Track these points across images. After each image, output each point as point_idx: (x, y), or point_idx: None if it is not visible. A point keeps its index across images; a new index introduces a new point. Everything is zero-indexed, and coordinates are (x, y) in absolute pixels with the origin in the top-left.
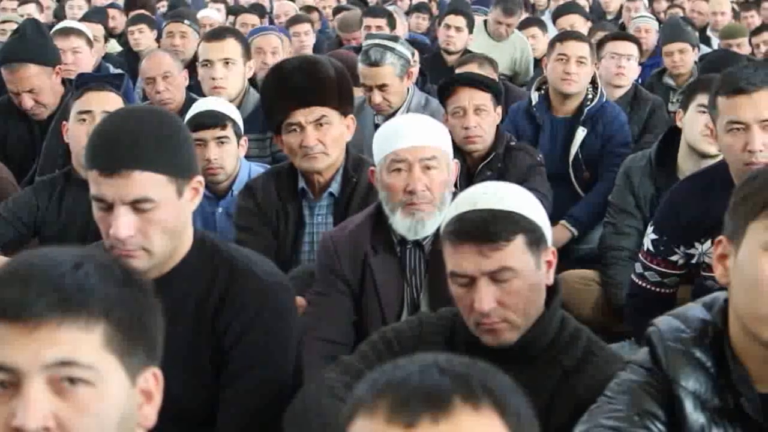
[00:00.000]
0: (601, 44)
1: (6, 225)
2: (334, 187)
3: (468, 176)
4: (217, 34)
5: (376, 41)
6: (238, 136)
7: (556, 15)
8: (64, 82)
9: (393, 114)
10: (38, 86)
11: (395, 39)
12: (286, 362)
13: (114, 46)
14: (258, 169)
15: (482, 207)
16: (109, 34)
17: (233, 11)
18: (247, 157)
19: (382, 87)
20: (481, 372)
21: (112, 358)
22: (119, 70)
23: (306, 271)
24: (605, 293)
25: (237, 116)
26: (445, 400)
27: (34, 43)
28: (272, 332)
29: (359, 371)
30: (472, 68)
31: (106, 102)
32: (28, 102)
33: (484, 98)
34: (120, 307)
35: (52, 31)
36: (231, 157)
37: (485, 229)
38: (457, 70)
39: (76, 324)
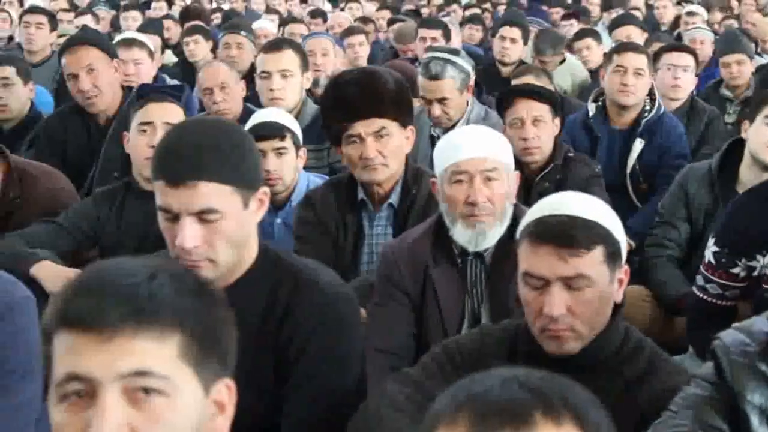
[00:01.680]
0: (657, 55)
1: (66, 235)
2: (394, 198)
3: (526, 187)
4: (275, 46)
5: (437, 54)
6: (297, 147)
7: (613, 26)
8: (122, 87)
9: (452, 127)
10: (97, 68)
11: (456, 52)
12: (349, 373)
13: (169, 57)
14: (316, 180)
15: (566, 212)
16: (165, 45)
17: (285, 22)
18: (305, 167)
19: (441, 100)
20: (561, 386)
21: (186, 369)
22: (175, 81)
23: (366, 282)
24: (656, 302)
25: (296, 127)
26: (526, 415)
27: (93, 33)
28: (335, 343)
29: (421, 383)
30: (529, 79)
31: (167, 113)
32: (86, 83)
33: (542, 109)
34: (194, 317)
35: (114, 41)
36: (290, 168)
37: (568, 233)
38: (514, 82)
39: (151, 334)
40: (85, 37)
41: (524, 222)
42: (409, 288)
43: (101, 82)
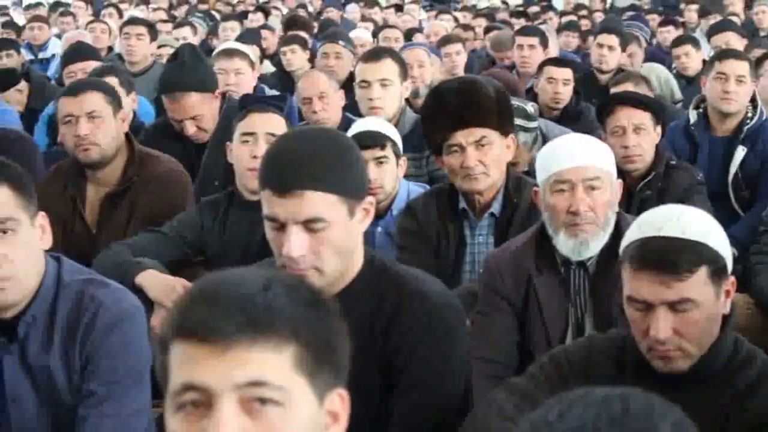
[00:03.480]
0: (759, 62)
1: (171, 244)
2: (495, 207)
3: (627, 196)
4: (374, 55)
5: None
6: (398, 156)
7: (711, 32)
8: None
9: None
10: (200, 113)
11: (526, 115)
12: (456, 382)
13: (267, 67)
14: (417, 189)
15: (667, 234)
16: (262, 54)
17: (379, 29)
18: (404, 176)
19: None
20: (631, 425)
21: (301, 379)
22: (274, 91)
23: (467, 290)
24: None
25: (396, 136)
26: None
27: (193, 71)
28: (442, 353)
29: (529, 392)
30: (628, 87)
31: (269, 124)
32: (190, 128)
33: (643, 117)
34: (308, 327)
35: (215, 52)
36: (390, 177)
37: (669, 259)
38: (613, 89)
39: (266, 345)
40: (183, 83)
41: (626, 241)
42: (512, 297)
43: (205, 123)
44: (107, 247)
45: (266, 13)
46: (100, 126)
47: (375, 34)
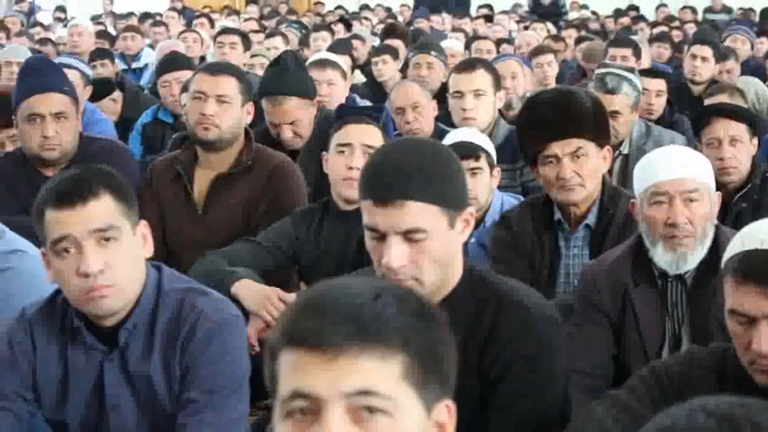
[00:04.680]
0: None
1: (267, 254)
2: (591, 219)
3: (723, 208)
4: (468, 66)
5: (613, 70)
6: (491, 167)
7: None
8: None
9: (618, 145)
10: (299, 119)
11: (632, 70)
12: (554, 394)
13: (358, 77)
14: (510, 200)
15: None
16: (353, 64)
17: (471, 41)
18: (498, 187)
19: (613, 114)
20: (750, 411)
21: (409, 389)
22: (365, 101)
23: (563, 303)
24: None
25: (490, 147)
26: None
27: (296, 77)
28: (540, 365)
29: (628, 405)
30: (722, 98)
31: (365, 134)
32: (287, 133)
33: (739, 129)
34: (417, 338)
35: (307, 63)
36: (484, 187)
37: None
38: (707, 101)
39: (375, 354)
40: (286, 87)
41: (728, 254)
42: (609, 309)
43: (302, 129)
44: (202, 256)
45: (348, 26)
46: (227, 110)
47: (467, 45)
